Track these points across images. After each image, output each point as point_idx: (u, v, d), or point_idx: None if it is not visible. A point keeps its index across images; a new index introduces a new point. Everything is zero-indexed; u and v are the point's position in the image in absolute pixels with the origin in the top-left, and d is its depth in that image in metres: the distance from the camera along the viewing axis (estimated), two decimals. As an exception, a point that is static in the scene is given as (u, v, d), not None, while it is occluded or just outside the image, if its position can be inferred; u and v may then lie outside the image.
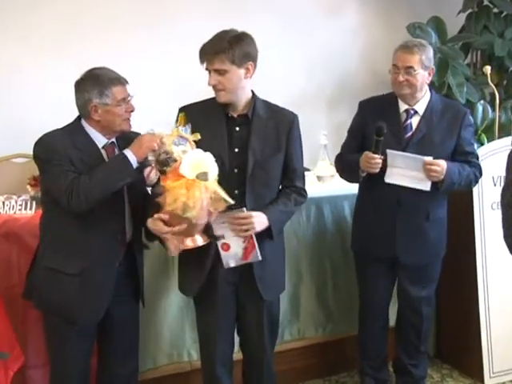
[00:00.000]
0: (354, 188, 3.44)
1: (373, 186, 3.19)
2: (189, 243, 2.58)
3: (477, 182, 3.27)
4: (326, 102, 4.98)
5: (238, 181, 2.67)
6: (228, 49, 2.57)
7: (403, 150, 3.09)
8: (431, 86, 3.29)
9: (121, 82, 2.62)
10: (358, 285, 3.51)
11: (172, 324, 3.52)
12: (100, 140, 2.65)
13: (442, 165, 3.00)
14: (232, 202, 2.52)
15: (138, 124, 2.71)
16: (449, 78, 4.77)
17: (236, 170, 2.69)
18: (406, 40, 3.23)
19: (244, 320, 2.89)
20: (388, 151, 2.99)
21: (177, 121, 2.59)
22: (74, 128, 2.64)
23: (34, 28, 4.06)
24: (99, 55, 3.80)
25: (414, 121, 3.13)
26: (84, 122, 2.64)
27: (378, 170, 3.03)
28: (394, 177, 3.06)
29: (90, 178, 2.49)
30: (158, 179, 2.62)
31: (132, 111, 2.64)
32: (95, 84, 2.58)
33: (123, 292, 2.75)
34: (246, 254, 2.68)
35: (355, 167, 3.13)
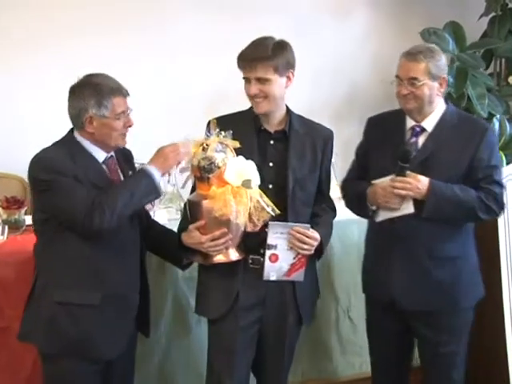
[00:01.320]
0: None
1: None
2: (220, 258, 2.59)
3: (488, 212, 2.86)
4: (333, 116, 4.80)
5: (273, 197, 2.63)
6: (272, 56, 2.57)
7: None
8: (448, 98, 3.09)
9: (122, 93, 2.55)
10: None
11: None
12: (99, 155, 2.58)
13: (419, 178, 2.75)
14: (277, 211, 2.54)
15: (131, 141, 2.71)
16: (468, 88, 4.60)
17: (271, 186, 2.68)
18: (414, 45, 2.97)
19: (266, 350, 2.81)
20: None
21: (208, 128, 2.60)
22: (70, 143, 2.57)
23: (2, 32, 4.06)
24: (70, 60, 3.89)
25: (421, 139, 2.87)
26: (78, 136, 2.56)
27: (398, 207, 2.80)
28: (382, 212, 2.87)
29: (115, 195, 2.47)
30: (193, 187, 2.66)
31: (130, 126, 2.58)
32: (94, 93, 2.50)
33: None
34: (291, 271, 2.68)
35: (362, 200, 2.92)
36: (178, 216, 3.20)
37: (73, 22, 4.14)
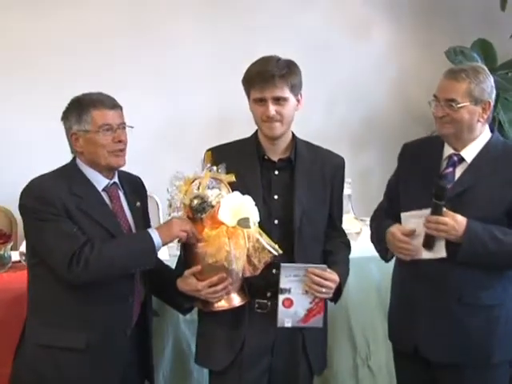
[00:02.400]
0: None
1: None
2: (222, 304, 2.52)
3: None
4: (349, 143, 4.74)
5: (279, 234, 2.57)
6: (289, 73, 2.53)
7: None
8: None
9: (104, 104, 2.47)
10: None
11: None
12: (99, 180, 2.51)
13: (457, 218, 2.55)
14: (279, 251, 2.45)
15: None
16: (499, 113, 4.52)
17: (276, 222, 2.60)
18: (458, 65, 2.85)
19: None
20: (402, 214, 2.65)
21: (204, 161, 2.57)
22: (68, 169, 2.53)
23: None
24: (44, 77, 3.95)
25: (459, 171, 2.69)
26: (78, 160, 2.53)
27: (408, 258, 2.65)
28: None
29: (104, 251, 2.38)
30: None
31: (120, 142, 2.48)
32: (74, 108, 2.49)
33: (128, 370, 2.57)
34: (308, 317, 2.60)
35: (380, 240, 2.76)
36: (179, 252, 3.10)
37: (63, 38, 4.19)
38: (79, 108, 2.47)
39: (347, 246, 2.80)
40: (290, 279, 2.56)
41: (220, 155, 2.57)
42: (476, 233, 2.57)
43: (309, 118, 4.48)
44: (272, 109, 2.53)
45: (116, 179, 2.56)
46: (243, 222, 2.41)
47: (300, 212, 2.59)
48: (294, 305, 2.57)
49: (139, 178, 2.69)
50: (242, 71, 2.59)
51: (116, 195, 2.56)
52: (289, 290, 2.56)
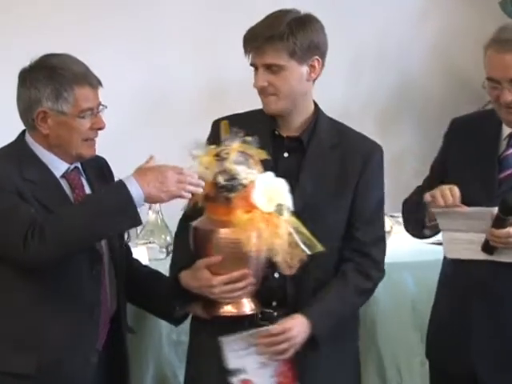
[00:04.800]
0: (424, 252, 3.13)
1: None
2: (229, 309, 2.39)
3: None
4: (378, 119, 4.40)
5: None
6: (287, 34, 2.38)
7: (490, 195, 2.60)
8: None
9: (90, 82, 2.35)
10: None
11: None
12: (57, 165, 2.39)
13: None
14: (319, 248, 2.35)
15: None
16: None
17: None
18: (502, 25, 2.68)
19: None
20: (434, 210, 2.62)
21: (213, 132, 2.48)
22: (18, 149, 2.42)
23: None
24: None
25: None
26: (29, 139, 2.40)
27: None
28: (456, 248, 2.66)
29: (66, 213, 2.32)
30: (196, 210, 2.43)
31: (100, 129, 2.39)
32: (50, 79, 2.31)
33: None
34: None
35: (419, 211, 2.70)
36: (163, 255, 3.15)
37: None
38: (57, 81, 2.34)
39: (354, 284, 2.56)
40: (239, 355, 2.46)
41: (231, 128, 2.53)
42: None
43: (327, 89, 3.78)
44: (262, 78, 2.46)
45: (77, 164, 2.46)
46: (279, 209, 2.35)
47: (301, 204, 2.48)
48: None
49: (104, 160, 2.58)
50: (242, 32, 2.48)
51: (78, 183, 2.46)
52: (243, 370, 2.46)
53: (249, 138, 2.41)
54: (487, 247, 2.55)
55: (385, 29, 4.37)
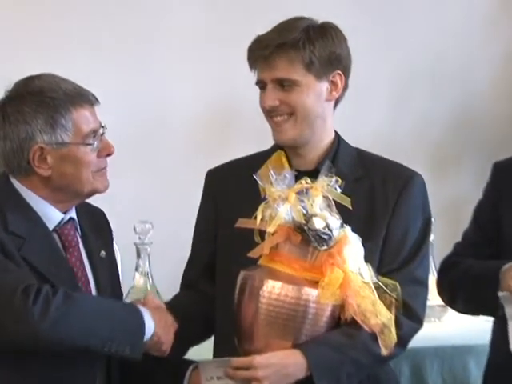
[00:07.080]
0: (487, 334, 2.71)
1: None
2: None
3: None
4: (430, 156, 4.02)
5: None
6: (303, 41, 2.15)
7: None
8: None
9: (86, 100, 2.13)
10: None
11: None
12: (50, 215, 2.15)
13: None
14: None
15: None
16: None
17: None
18: None
19: None
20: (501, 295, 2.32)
21: (209, 186, 2.36)
22: (3, 194, 2.20)
23: None
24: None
25: None
26: (16, 183, 2.16)
27: None
28: None
29: (77, 298, 2.08)
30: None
31: (109, 155, 2.18)
32: (40, 106, 2.08)
33: None
34: None
35: (488, 281, 2.29)
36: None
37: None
38: (50, 107, 2.12)
39: (406, 320, 2.23)
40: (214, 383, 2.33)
41: (221, 177, 2.42)
42: None
43: (362, 119, 3.88)
44: (271, 97, 2.22)
45: (73, 213, 2.26)
46: (363, 271, 2.21)
47: None
48: None
49: (102, 212, 2.43)
50: (244, 48, 2.28)
51: (73, 240, 2.24)
52: None
53: (331, 180, 2.19)
54: None
55: (438, 43, 4.05)
